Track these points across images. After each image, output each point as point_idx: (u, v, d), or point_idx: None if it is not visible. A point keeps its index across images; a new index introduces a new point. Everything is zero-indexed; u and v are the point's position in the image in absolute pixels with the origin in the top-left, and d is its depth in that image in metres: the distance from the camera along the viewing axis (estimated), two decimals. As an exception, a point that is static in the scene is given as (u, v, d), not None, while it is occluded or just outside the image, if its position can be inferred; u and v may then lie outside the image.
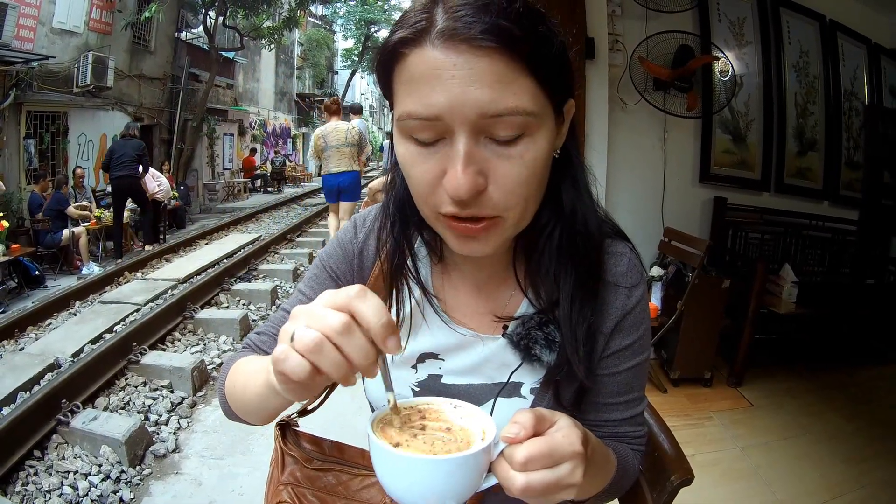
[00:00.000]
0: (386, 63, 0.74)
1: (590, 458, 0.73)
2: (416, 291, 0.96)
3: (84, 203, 10.04)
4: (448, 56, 0.67)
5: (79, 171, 11.14)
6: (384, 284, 0.97)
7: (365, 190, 3.47)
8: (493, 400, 0.92)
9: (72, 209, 9.16)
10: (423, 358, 0.97)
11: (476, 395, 0.94)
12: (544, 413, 0.69)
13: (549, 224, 0.87)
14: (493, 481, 0.69)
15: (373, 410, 1.02)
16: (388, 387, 0.70)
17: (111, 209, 10.26)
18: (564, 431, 0.68)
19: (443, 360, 0.97)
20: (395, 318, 0.96)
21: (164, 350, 5.19)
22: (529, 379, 0.93)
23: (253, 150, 22.60)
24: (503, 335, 0.94)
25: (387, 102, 0.81)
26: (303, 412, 1.11)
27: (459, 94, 0.67)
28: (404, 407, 0.77)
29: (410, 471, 0.66)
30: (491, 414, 0.85)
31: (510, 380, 0.93)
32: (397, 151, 0.78)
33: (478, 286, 0.97)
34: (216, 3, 17.17)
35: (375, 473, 0.70)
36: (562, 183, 0.86)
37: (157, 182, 10.92)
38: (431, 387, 0.96)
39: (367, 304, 0.60)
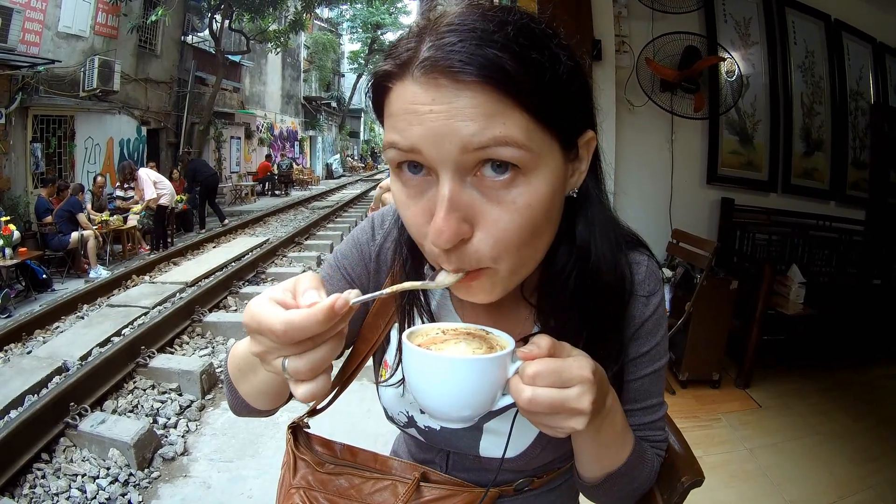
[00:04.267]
0: (375, 92, 0.71)
1: (608, 410, 0.74)
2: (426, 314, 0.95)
3: (103, 215, 10.10)
4: (427, 90, 0.63)
5: (99, 179, 11.15)
6: (395, 305, 0.96)
7: (375, 192, 3.49)
8: (514, 412, 0.91)
9: (82, 216, 9.14)
10: None
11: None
12: (564, 345, 0.70)
13: (567, 265, 0.82)
14: (509, 399, 0.70)
15: (386, 414, 1.03)
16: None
17: (119, 214, 10.48)
18: (577, 358, 0.69)
19: None
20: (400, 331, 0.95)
21: (172, 353, 5.21)
22: None
23: (269, 157, 22.82)
24: None
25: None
26: (312, 412, 1.11)
27: (439, 127, 0.62)
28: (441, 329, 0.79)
29: (427, 367, 0.69)
30: (511, 425, 0.85)
31: None
32: (392, 188, 0.75)
33: (496, 306, 0.95)
34: (222, 7, 17.20)
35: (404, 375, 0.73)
36: (576, 222, 0.81)
37: (159, 187, 10.91)
38: None
39: (268, 313, 0.57)
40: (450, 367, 0.68)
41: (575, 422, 0.67)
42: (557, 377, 0.66)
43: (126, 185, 11.22)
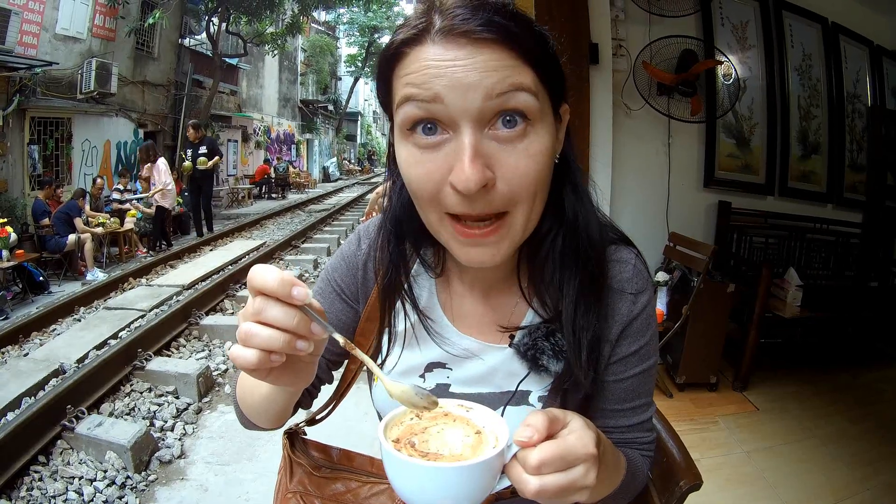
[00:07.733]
0: (387, 63, 0.76)
1: (601, 459, 0.73)
2: (413, 309, 0.96)
3: (102, 215, 10.09)
4: (448, 50, 0.69)
5: (98, 181, 11.17)
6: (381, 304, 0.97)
7: (371, 196, 3.49)
8: (501, 408, 0.92)
9: (79, 221, 9.11)
10: (430, 367, 0.97)
11: (484, 403, 0.93)
12: (557, 414, 0.69)
13: (552, 231, 0.88)
14: (506, 483, 0.69)
15: (380, 418, 1.03)
16: (328, 329, 0.65)
17: (116, 217, 10.48)
18: (578, 433, 0.68)
19: (450, 369, 0.96)
20: (388, 334, 0.97)
21: (169, 356, 5.19)
22: (537, 387, 0.93)
23: (267, 161, 22.88)
24: (510, 345, 0.93)
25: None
26: (311, 421, 1.11)
27: (463, 77, 0.69)
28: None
29: (422, 477, 0.66)
30: (502, 415, 0.86)
31: (518, 388, 0.93)
32: (398, 155, 0.78)
33: (483, 295, 0.96)
34: (219, 10, 17.20)
35: (388, 478, 0.70)
36: (562, 188, 0.87)
37: (165, 181, 10.84)
38: (439, 395, 0.96)
39: (263, 277, 0.61)
40: (443, 476, 0.65)
41: (580, 495, 0.68)
42: (563, 462, 0.66)
43: (141, 176, 11.14)
